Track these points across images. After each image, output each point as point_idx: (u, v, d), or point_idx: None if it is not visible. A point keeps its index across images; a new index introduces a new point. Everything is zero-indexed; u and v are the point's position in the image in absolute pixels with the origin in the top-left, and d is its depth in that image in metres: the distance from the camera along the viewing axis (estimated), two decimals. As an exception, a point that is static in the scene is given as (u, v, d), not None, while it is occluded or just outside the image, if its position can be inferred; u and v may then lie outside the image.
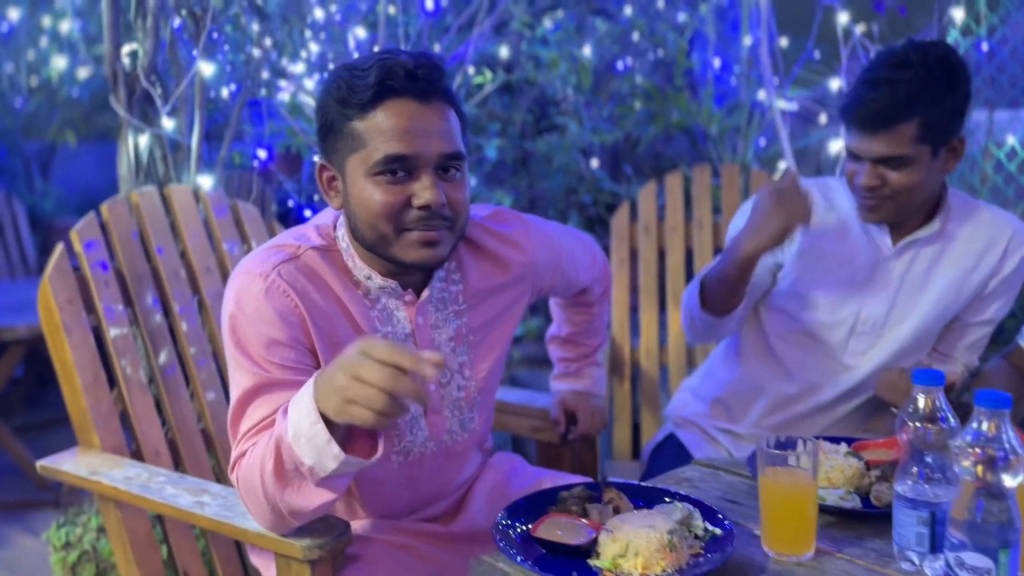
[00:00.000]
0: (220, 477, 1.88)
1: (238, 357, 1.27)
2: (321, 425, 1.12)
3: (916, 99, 1.56)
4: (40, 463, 1.67)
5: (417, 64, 1.26)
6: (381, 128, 1.24)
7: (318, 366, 1.31)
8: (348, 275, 1.35)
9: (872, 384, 1.78)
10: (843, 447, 1.44)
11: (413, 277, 1.37)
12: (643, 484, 1.35)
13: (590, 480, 1.45)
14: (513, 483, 1.57)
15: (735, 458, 1.58)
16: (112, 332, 1.77)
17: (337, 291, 1.34)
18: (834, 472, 1.38)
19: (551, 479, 1.57)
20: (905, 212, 1.68)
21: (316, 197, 3.57)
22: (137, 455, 1.77)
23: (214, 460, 1.89)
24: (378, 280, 1.35)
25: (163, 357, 1.85)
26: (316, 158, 1.36)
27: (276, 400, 1.25)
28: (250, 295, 1.28)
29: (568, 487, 1.32)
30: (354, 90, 1.25)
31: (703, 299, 1.76)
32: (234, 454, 1.28)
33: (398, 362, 1.05)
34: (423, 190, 1.25)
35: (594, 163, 3.45)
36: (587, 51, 3.35)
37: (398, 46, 2.53)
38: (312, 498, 1.19)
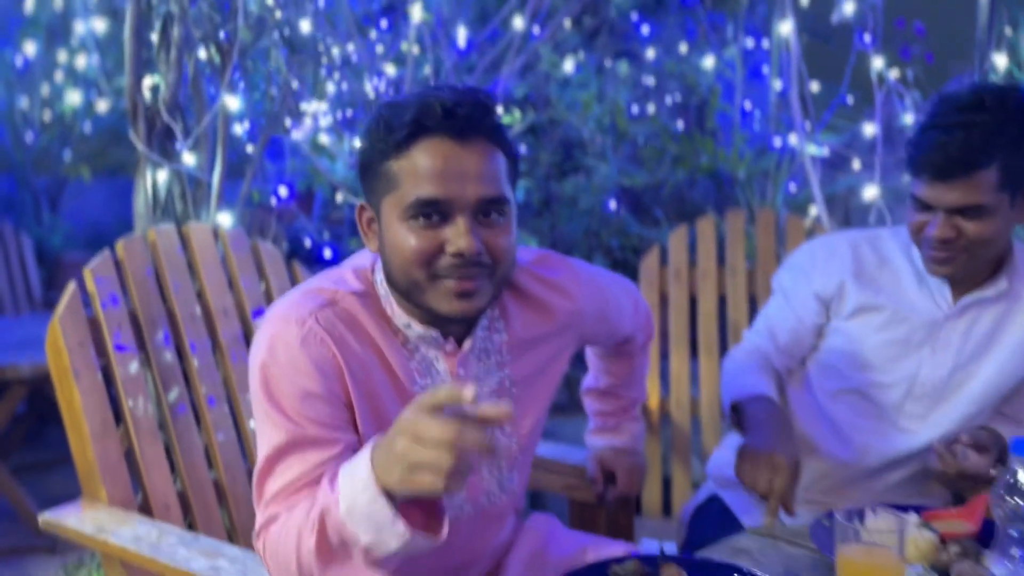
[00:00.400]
0: (232, 535, 1.77)
1: (269, 410, 1.17)
2: (383, 501, 1.01)
3: (995, 143, 1.46)
4: (42, 518, 1.56)
5: (457, 101, 1.17)
6: (415, 169, 1.16)
7: (354, 422, 1.21)
8: (387, 322, 1.26)
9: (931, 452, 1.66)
10: (913, 517, 1.33)
11: (454, 326, 1.27)
12: (706, 558, 1.23)
13: (640, 551, 1.34)
14: (552, 549, 1.46)
15: (791, 525, 1.46)
16: (122, 373, 1.67)
17: (377, 340, 1.24)
18: (907, 545, 1.26)
19: (595, 546, 1.45)
20: (976, 265, 1.58)
21: (326, 235, 3.50)
22: (145, 507, 1.66)
23: (226, 514, 1.78)
24: (418, 328, 1.25)
25: (173, 395, 1.75)
26: (337, 195, 1.27)
27: (309, 459, 1.15)
28: (284, 343, 1.18)
29: (619, 560, 1.21)
30: (391, 128, 1.18)
31: (734, 415, 1.62)
32: (260, 518, 1.17)
33: (448, 399, 0.96)
34: (457, 237, 1.16)
35: (612, 205, 3.38)
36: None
37: (425, 85, 2.46)
38: None
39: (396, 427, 0.99)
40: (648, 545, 1.66)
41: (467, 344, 1.28)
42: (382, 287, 1.27)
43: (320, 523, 1.06)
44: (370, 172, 1.22)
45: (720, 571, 1.18)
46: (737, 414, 1.59)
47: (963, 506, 1.40)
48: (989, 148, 1.46)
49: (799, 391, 1.78)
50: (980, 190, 1.48)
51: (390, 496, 1.01)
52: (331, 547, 1.06)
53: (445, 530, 1.06)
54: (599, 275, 1.52)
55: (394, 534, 1.02)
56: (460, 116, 1.17)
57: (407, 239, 1.17)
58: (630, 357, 1.68)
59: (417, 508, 1.06)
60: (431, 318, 1.25)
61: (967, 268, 1.57)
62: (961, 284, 1.64)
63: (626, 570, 1.17)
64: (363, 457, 1.04)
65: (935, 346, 1.65)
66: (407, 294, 1.21)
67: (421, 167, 1.16)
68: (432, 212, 1.16)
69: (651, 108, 3.52)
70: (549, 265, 1.40)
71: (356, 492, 1.02)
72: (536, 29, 2.59)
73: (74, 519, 1.54)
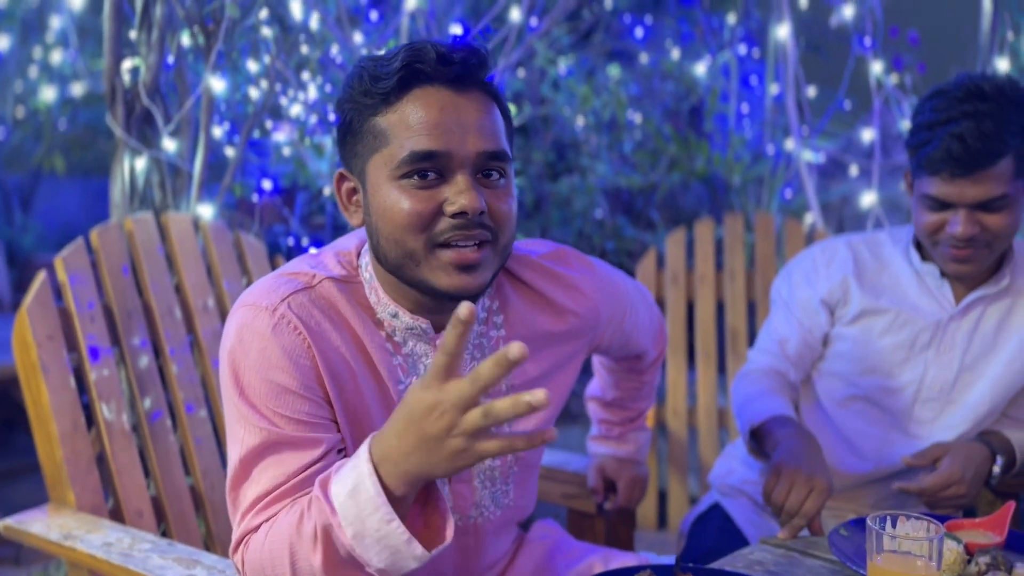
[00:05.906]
0: (210, 543, 1.66)
1: (241, 408, 1.06)
2: (398, 522, 0.92)
3: (1007, 130, 1.41)
4: (3, 523, 1.45)
5: (452, 48, 1.07)
6: (408, 121, 1.05)
7: (335, 420, 1.10)
8: (370, 313, 1.14)
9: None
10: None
11: (447, 316, 1.16)
12: (720, 570, 1.15)
13: (649, 562, 1.25)
14: (558, 563, 1.36)
15: (802, 535, 1.38)
16: (94, 374, 1.57)
17: (357, 331, 1.12)
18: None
19: (602, 558, 1.36)
20: (990, 261, 1.53)
21: (305, 240, 3.39)
22: (116, 514, 1.55)
23: (203, 522, 1.67)
24: (406, 319, 1.13)
25: (148, 402, 1.64)
26: (325, 190, 1.16)
27: (288, 461, 1.04)
28: (254, 332, 1.06)
29: (631, 571, 1.12)
30: (377, 78, 1.06)
31: (754, 441, 1.51)
32: (238, 530, 1.05)
33: (489, 377, 0.90)
34: (457, 194, 1.04)
35: (605, 208, 3.31)
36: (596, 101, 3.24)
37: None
38: None
39: (410, 412, 0.91)
40: (648, 558, 1.57)
41: (459, 338, 1.17)
42: (366, 272, 1.15)
43: (325, 541, 0.96)
44: (352, 132, 1.10)
45: (741, 583, 1.10)
46: (757, 438, 1.50)
47: (987, 516, 1.33)
48: (1004, 135, 1.42)
49: (805, 402, 1.72)
50: (1001, 181, 1.44)
51: (399, 507, 0.93)
52: (341, 560, 0.97)
53: (451, 532, 0.97)
54: (620, 279, 1.40)
55: (411, 556, 0.93)
56: (456, 62, 1.06)
57: (399, 201, 1.05)
58: (640, 374, 1.56)
59: (418, 509, 0.98)
60: (423, 305, 1.12)
61: (984, 264, 1.52)
62: (963, 284, 1.58)
63: (639, 582, 1.09)
64: (364, 471, 0.94)
65: (940, 347, 1.60)
66: (399, 270, 1.08)
67: (414, 118, 1.05)
68: (428, 169, 1.05)
69: (645, 112, 3.46)
70: (565, 261, 1.28)
71: (364, 515, 0.93)
72: (534, 20, 2.52)
73: (39, 525, 1.43)
